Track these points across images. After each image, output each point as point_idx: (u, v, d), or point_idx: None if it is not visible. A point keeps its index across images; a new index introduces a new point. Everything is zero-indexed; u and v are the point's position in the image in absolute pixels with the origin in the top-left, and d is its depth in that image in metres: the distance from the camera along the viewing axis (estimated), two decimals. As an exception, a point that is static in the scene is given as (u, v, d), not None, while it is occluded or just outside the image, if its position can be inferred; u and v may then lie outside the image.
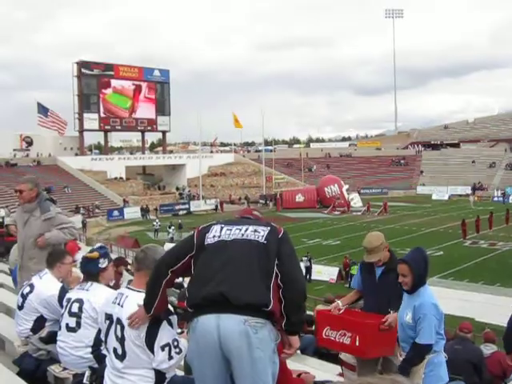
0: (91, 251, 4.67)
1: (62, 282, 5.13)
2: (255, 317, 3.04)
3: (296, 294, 3.21)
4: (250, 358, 3.01)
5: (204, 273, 3.19)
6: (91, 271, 4.51)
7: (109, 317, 3.52)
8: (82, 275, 4.70)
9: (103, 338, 3.63)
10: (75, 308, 4.34)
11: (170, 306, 3.55)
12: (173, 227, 39.65)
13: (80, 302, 4.33)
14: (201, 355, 3.09)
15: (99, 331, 4.15)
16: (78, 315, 4.32)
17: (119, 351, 3.43)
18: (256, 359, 3.02)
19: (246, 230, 3.30)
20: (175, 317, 3.49)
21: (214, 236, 3.30)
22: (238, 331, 2.99)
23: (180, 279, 10.81)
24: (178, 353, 3.40)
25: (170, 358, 3.37)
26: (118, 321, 3.44)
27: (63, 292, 4.85)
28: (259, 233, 3.27)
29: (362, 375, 4.77)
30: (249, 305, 3.02)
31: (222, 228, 3.34)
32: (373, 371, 4.75)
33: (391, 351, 4.69)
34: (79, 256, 5.81)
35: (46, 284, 5.00)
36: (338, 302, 5.11)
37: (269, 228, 3.32)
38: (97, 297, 4.26)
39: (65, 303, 4.50)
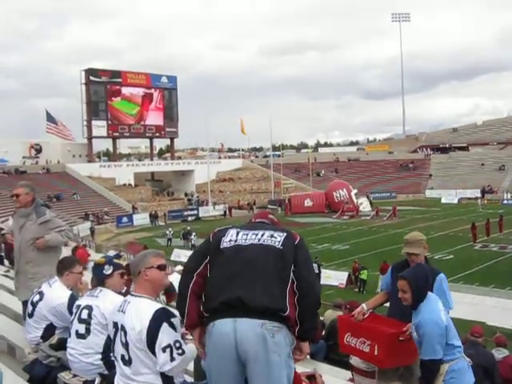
0: (102, 257, 4.72)
1: (72, 289, 5.14)
2: (272, 321, 3.05)
3: (311, 301, 3.23)
4: (266, 362, 3.02)
5: (220, 277, 3.21)
6: (98, 276, 4.56)
7: (115, 324, 3.54)
8: (90, 282, 4.72)
9: (111, 346, 3.63)
10: (85, 314, 4.35)
11: (171, 308, 3.55)
12: (194, 233, 39.25)
13: (89, 308, 4.33)
14: (218, 359, 3.10)
15: (109, 337, 4.16)
16: (87, 322, 4.33)
17: (126, 357, 3.43)
18: (272, 363, 3.02)
19: (263, 235, 3.32)
20: (177, 319, 3.47)
21: (230, 240, 3.33)
22: (254, 335, 3.01)
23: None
24: (181, 354, 3.36)
25: (172, 359, 3.34)
26: (122, 327, 3.45)
27: (72, 300, 4.85)
28: (276, 238, 3.29)
29: (382, 382, 4.75)
30: (266, 309, 3.04)
31: (238, 232, 3.37)
32: (392, 380, 4.68)
33: (412, 360, 4.57)
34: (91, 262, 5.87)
35: (56, 292, 5.00)
36: (363, 305, 4.94)
37: (285, 234, 3.34)
38: (106, 303, 4.27)
39: (74, 310, 4.51)
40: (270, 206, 59.70)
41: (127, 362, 3.43)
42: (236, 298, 3.05)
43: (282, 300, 3.11)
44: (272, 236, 3.31)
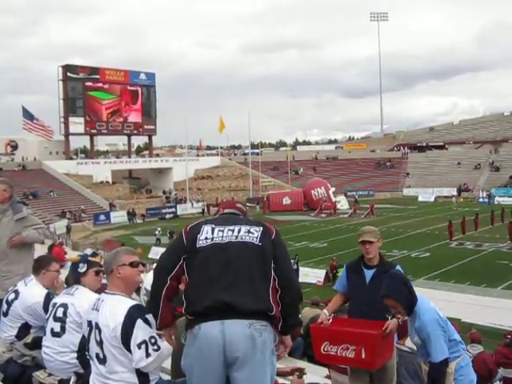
0: (79, 255, 4.70)
1: (48, 288, 5.09)
2: (260, 320, 3.06)
3: (294, 297, 3.26)
4: (252, 362, 3.02)
5: (202, 280, 3.14)
6: (73, 274, 4.53)
7: (89, 323, 3.52)
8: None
9: (86, 345, 3.60)
10: (60, 313, 4.31)
11: (144, 304, 3.55)
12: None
13: (65, 306, 4.30)
14: (203, 361, 3.05)
15: (83, 336, 4.13)
16: (62, 320, 4.29)
17: (101, 356, 3.41)
18: (258, 362, 3.04)
19: (239, 230, 3.24)
20: (151, 315, 3.44)
21: (206, 238, 3.22)
22: (243, 335, 3.01)
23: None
24: (156, 350, 3.35)
25: (148, 355, 3.32)
26: (96, 325, 3.43)
27: (48, 299, 4.80)
28: (253, 234, 3.23)
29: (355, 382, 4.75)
30: (254, 311, 3.04)
31: (213, 229, 3.26)
32: (365, 379, 4.72)
33: (390, 355, 4.63)
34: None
35: (32, 290, 4.94)
36: (325, 311, 4.88)
37: (261, 228, 3.28)
38: (81, 301, 4.24)
39: (50, 308, 4.47)
40: (248, 204, 59.70)
41: (102, 360, 3.41)
42: (221, 302, 3.02)
43: (268, 299, 3.11)
44: (249, 232, 3.24)
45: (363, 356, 4.35)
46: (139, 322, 3.35)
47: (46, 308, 4.72)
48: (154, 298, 3.32)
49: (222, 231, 3.25)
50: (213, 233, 3.25)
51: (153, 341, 3.35)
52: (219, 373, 3.06)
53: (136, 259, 3.63)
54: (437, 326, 4.12)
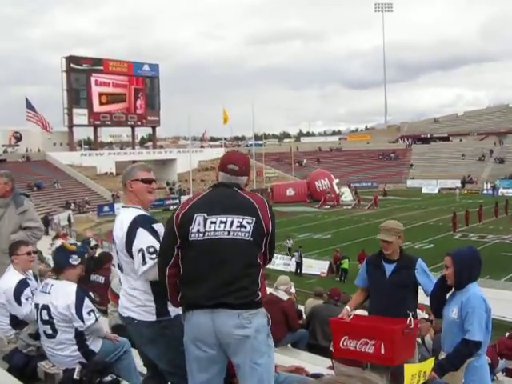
0: (72, 244, 4.72)
1: (34, 272, 5.22)
2: (248, 309, 3.11)
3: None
4: (246, 348, 3.11)
5: (193, 275, 3.21)
6: (59, 262, 4.56)
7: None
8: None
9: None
10: (45, 315, 4.38)
11: (149, 216, 3.64)
12: None
13: (47, 308, 4.37)
14: (197, 342, 3.18)
15: (76, 330, 4.22)
16: (50, 322, 4.36)
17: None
18: (253, 348, 3.12)
19: (231, 224, 3.18)
20: (159, 224, 3.54)
21: (198, 231, 3.19)
22: (232, 325, 3.09)
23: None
24: (153, 259, 3.39)
25: (144, 262, 3.39)
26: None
27: (21, 286, 4.90)
28: (245, 228, 3.17)
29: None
30: (242, 304, 3.10)
31: (205, 220, 3.19)
32: (385, 376, 4.48)
33: (412, 354, 4.51)
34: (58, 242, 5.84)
35: (6, 277, 5.04)
36: (347, 307, 4.79)
37: (254, 219, 3.18)
38: (59, 298, 4.33)
39: (35, 310, 4.50)
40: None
41: (121, 269, 3.61)
42: (212, 300, 3.11)
43: (256, 289, 3.17)
44: (241, 225, 3.17)
45: (382, 351, 4.26)
46: (140, 230, 3.44)
47: (16, 296, 4.84)
48: (161, 285, 3.37)
49: (215, 223, 3.18)
50: (205, 225, 3.19)
51: (151, 250, 3.41)
52: (215, 355, 3.17)
53: (149, 176, 3.74)
54: (483, 306, 4.01)
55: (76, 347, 4.34)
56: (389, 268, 4.72)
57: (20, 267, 5.08)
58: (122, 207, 3.73)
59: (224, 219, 3.19)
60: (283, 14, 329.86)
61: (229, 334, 3.10)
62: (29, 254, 5.17)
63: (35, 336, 4.74)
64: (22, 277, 5.02)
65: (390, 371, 4.43)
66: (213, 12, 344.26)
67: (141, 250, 3.38)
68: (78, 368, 4.18)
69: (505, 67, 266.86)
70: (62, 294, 4.34)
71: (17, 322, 4.93)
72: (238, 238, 3.16)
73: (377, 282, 4.76)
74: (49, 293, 4.39)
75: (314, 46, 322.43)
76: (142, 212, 3.57)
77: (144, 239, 3.42)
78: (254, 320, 3.13)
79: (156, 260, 3.37)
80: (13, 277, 4.99)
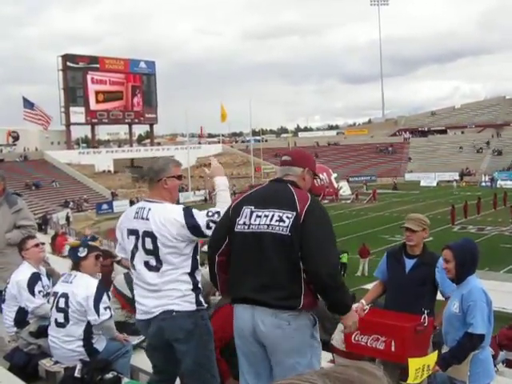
0: (77, 240, 4.78)
1: (39, 266, 5.25)
2: (287, 310, 3.10)
3: (317, 273, 3.08)
4: (284, 349, 3.10)
5: (237, 268, 3.27)
6: (73, 259, 4.62)
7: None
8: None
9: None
10: (62, 303, 4.38)
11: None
12: None
13: (65, 296, 4.38)
14: (241, 338, 3.27)
15: (88, 324, 4.22)
16: (65, 310, 4.36)
17: (152, 263, 3.56)
18: (292, 348, 3.10)
19: (272, 218, 3.16)
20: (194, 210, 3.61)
21: (244, 223, 3.23)
22: (270, 324, 3.09)
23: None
24: (214, 221, 3.50)
25: (208, 227, 3.50)
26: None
27: (35, 278, 4.99)
28: (284, 223, 3.13)
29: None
30: (280, 305, 3.09)
31: (251, 213, 3.23)
32: (395, 374, 4.39)
33: (425, 353, 4.34)
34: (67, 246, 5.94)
35: (20, 270, 5.11)
36: (362, 301, 4.66)
37: (294, 214, 3.12)
38: (80, 288, 4.34)
39: (52, 298, 4.52)
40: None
41: (154, 268, 3.59)
42: (251, 295, 3.15)
43: (297, 293, 3.10)
44: (281, 220, 3.14)
45: (393, 349, 4.20)
46: (195, 210, 3.55)
47: (30, 286, 4.92)
48: (211, 274, 3.42)
49: (260, 217, 3.20)
50: (250, 218, 3.23)
51: (210, 213, 3.55)
52: (256, 350, 3.20)
53: (181, 173, 3.83)
54: (484, 298, 3.97)
55: (81, 343, 4.37)
56: (409, 263, 4.65)
57: (32, 260, 5.16)
58: (150, 202, 3.65)
59: (267, 213, 3.20)
60: (280, 9, 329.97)
61: (266, 332, 3.10)
62: (37, 245, 5.25)
63: (36, 334, 4.76)
64: (35, 270, 5.11)
65: (400, 368, 4.31)
66: (209, 7, 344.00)
67: (206, 215, 3.54)
68: (79, 366, 4.19)
69: (502, 59, 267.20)
70: (83, 285, 4.41)
71: (21, 319, 4.94)
72: (276, 233, 3.14)
73: (395, 276, 4.69)
74: (71, 282, 4.45)
75: (311, 41, 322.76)
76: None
77: (202, 213, 3.55)
78: (294, 321, 3.09)
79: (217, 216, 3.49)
80: (26, 269, 5.08)
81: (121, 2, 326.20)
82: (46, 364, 4.51)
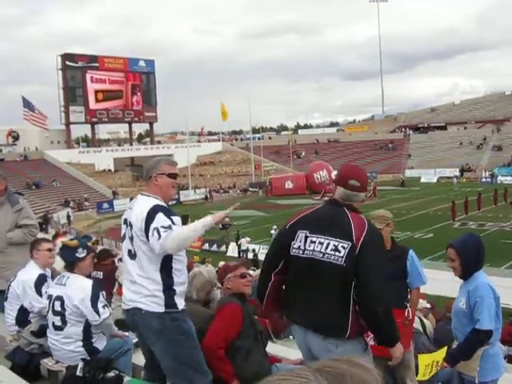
0: (72, 239, 4.73)
1: (46, 268, 5.21)
2: (333, 338, 3.20)
3: (373, 312, 3.12)
4: None
5: (291, 290, 3.38)
6: (67, 259, 4.56)
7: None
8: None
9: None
10: (58, 306, 4.38)
11: (169, 208, 3.65)
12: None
13: (60, 299, 4.37)
14: (301, 352, 3.52)
15: (86, 324, 4.23)
16: (61, 313, 4.36)
17: (132, 252, 3.60)
18: None
19: (327, 246, 3.19)
20: (179, 219, 3.57)
21: (299, 247, 3.30)
22: (319, 346, 3.22)
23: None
24: (166, 230, 3.39)
25: (159, 237, 3.38)
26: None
27: (42, 279, 4.97)
28: (339, 253, 3.15)
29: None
30: (329, 333, 3.20)
31: (306, 238, 3.28)
32: (380, 366, 4.52)
33: (408, 345, 4.41)
34: (59, 242, 5.87)
35: (27, 270, 5.08)
36: None
37: (349, 244, 3.13)
38: (74, 290, 4.34)
39: (47, 300, 4.51)
40: (250, 189, 59.70)
41: (133, 256, 3.61)
42: (303, 320, 3.31)
43: (346, 323, 3.15)
44: (336, 249, 3.16)
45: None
46: (160, 214, 3.45)
47: (37, 287, 4.90)
48: (261, 289, 3.50)
49: (314, 243, 3.24)
50: (305, 243, 3.27)
51: (166, 225, 3.42)
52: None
53: (175, 171, 3.78)
54: (491, 294, 3.98)
55: (81, 343, 4.36)
56: None
57: (40, 262, 5.14)
58: (142, 194, 3.73)
59: (322, 240, 3.22)
60: (278, 8, 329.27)
61: (317, 354, 3.22)
62: (49, 250, 5.24)
63: (37, 334, 4.75)
64: (42, 271, 5.10)
65: (386, 362, 4.40)
66: (208, 7, 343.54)
67: (155, 229, 3.40)
68: (80, 365, 4.19)
69: (501, 55, 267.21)
70: (77, 287, 4.38)
71: (22, 319, 4.94)
72: (331, 262, 3.16)
73: None
74: (64, 284, 4.43)
75: (310, 39, 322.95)
76: (163, 203, 3.61)
77: (161, 219, 3.43)
78: (343, 346, 3.16)
79: (169, 231, 3.36)
80: (33, 270, 5.06)
81: (121, 3, 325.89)
82: (47, 363, 4.50)
